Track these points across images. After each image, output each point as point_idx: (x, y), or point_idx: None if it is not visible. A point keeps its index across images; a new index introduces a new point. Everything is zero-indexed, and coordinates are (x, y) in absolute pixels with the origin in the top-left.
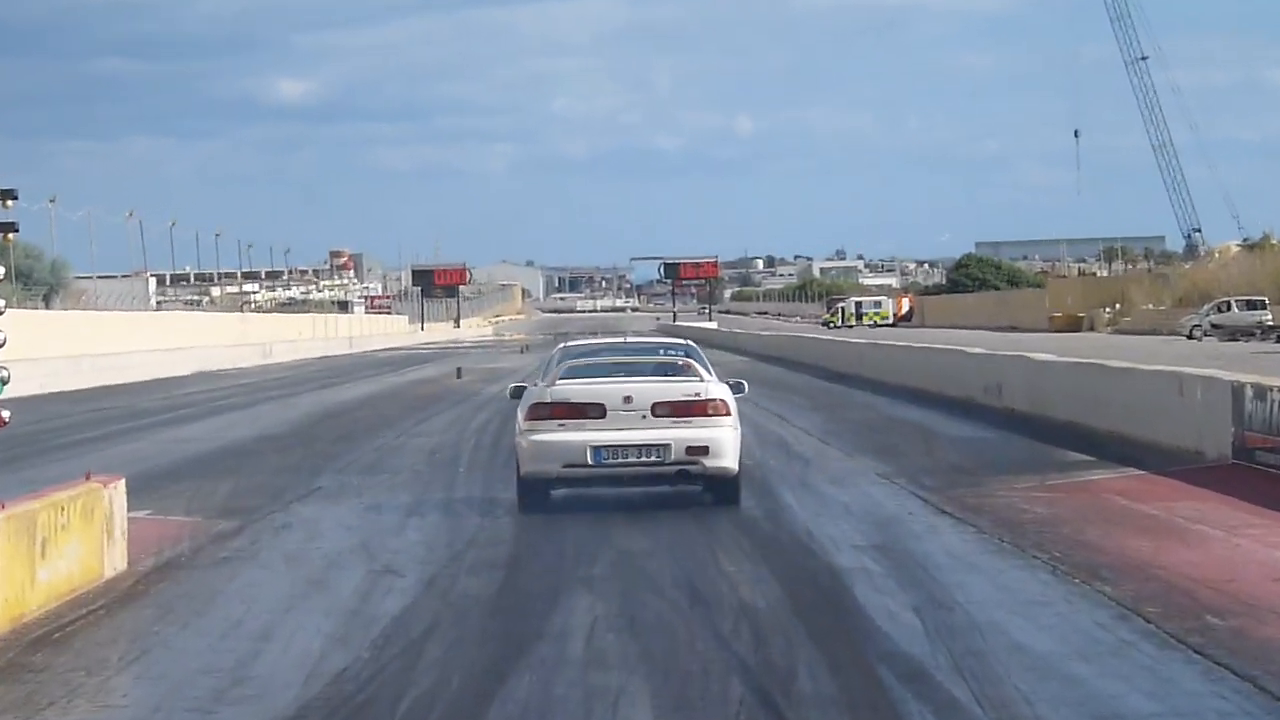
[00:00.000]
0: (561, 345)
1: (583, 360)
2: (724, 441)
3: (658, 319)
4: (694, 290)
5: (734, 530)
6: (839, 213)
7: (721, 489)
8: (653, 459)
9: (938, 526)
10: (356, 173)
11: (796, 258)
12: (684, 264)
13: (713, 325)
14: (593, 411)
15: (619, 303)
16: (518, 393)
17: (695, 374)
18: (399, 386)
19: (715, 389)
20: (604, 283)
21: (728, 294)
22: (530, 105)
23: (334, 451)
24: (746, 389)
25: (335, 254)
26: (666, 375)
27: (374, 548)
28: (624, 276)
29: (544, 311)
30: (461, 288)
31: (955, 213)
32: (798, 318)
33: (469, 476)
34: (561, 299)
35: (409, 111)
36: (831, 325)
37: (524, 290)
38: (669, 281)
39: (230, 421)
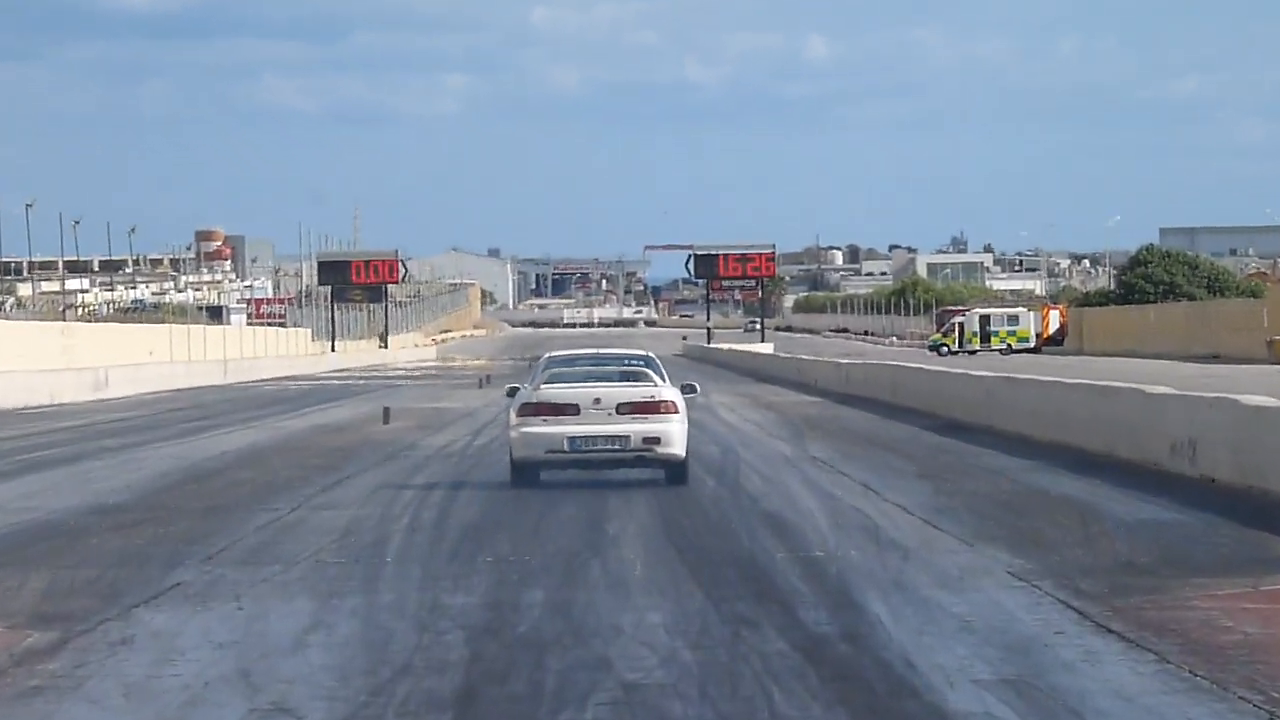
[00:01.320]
0: (546, 355)
1: (563, 368)
2: (673, 433)
3: (684, 338)
4: (739, 296)
5: (796, 654)
6: (957, 183)
7: (672, 471)
8: (616, 447)
9: (1099, 652)
10: (236, 115)
11: (893, 249)
12: (724, 256)
13: (767, 349)
14: (569, 410)
15: (627, 312)
16: (512, 392)
17: (651, 380)
18: (297, 435)
19: (667, 392)
20: (605, 282)
21: (789, 302)
22: (496, 16)
23: (200, 531)
24: (699, 390)
25: (204, 236)
26: (629, 381)
27: (258, 675)
28: (634, 274)
29: (515, 325)
30: (392, 288)
31: (1130, 186)
32: (893, 338)
33: (400, 571)
34: (541, 306)
35: (316, 26)
36: (945, 350)
37: (485, 293)
38: (701, 283)
39: (46, 484)
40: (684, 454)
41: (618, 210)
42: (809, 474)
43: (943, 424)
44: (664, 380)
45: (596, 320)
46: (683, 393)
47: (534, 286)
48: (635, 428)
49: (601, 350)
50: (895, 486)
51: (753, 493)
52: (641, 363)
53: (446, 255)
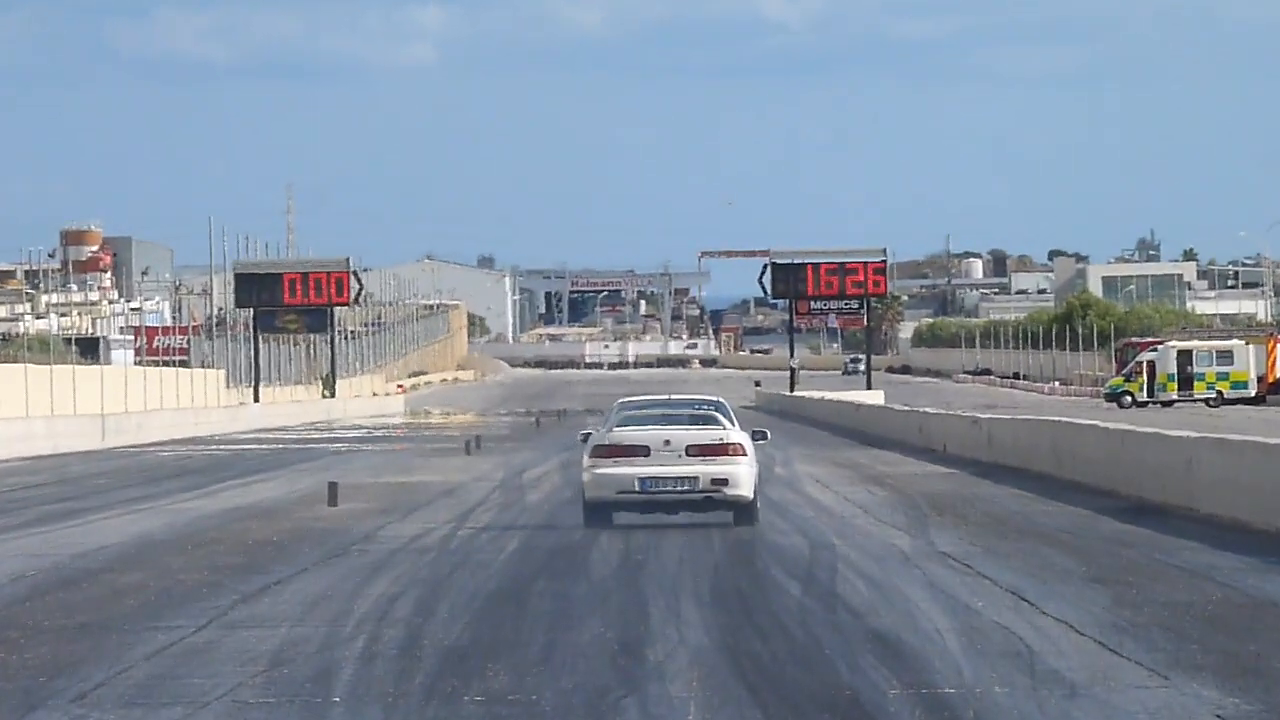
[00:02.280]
0: (619, 400)
1: (635, 412)
2: (740, 475)
3: (757, 383)
4: (835, 323)
5: None
6: (1145, 165)
7: (740, 512)
8: (684, 488)
9: None
10: (119, 68)
11: (1055, 256)
12: (815, 266)
13: (876, 398)
14: (640, 452)
15: (675, 346)
16: (585, 438)
17: (720, 424)
18: (206, 522)
19: (735, 435)
20: (643, 304)
21: (906, 331)
22: None
23: (69, 657)
24: (769, 436)
25: (74, 238)
26: (698, 424)
27: None
28: (685, 293)
29: (517, 365)
30: (341, 312)
31: None
32: (1055, 382)
33: (353, 716)
34: (553, 337)
35: None
36: (1128, 400)
37: (474, 319)
38: (781, 304)
39: None
40: (752, 495)
41: (661, 203)
42: (935, 577)
43: (1125, 505)
44: (733, 424)
45: (633, 358)
46: (753, 439)
47: (543, 310)
48: (704, 469)
49: (673, 395)
50: (1058, 594)
51: (855, 604)
52: (711, 407)
53: (419, 265)
